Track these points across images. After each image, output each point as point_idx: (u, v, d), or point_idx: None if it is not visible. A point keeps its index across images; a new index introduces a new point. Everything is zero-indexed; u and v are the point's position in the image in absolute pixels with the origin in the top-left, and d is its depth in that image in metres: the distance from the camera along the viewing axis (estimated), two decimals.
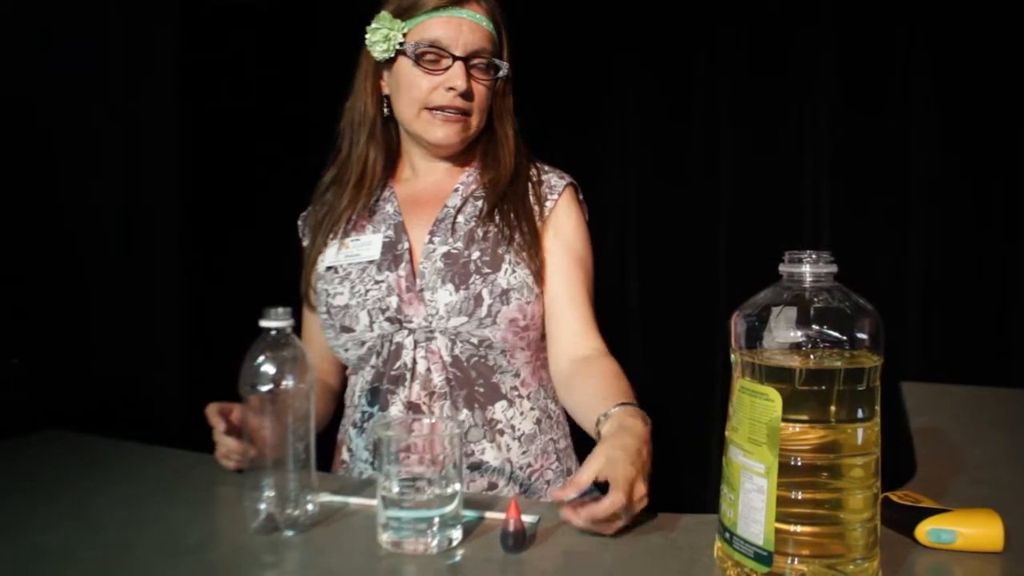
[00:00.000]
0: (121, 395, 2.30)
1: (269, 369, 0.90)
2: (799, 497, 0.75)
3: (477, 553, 0.88)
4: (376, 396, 1.26)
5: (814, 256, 0.79)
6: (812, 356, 0.77)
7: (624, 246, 2.83)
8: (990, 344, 2.47)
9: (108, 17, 2.46)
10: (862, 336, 0.77)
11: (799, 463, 0.75)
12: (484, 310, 1.22)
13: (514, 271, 1.25)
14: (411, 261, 1.26)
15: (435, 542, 0.87)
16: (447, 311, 1.22)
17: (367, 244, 1.29)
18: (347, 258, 1.29)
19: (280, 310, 0.91)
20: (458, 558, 0.87)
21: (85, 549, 0.89)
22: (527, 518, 0.93)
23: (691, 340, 2.69)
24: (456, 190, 1.32)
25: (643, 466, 0.95)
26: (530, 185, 1.32)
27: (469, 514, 0.95)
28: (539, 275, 1.26)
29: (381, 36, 1.25)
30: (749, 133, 2.67)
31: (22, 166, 2.19)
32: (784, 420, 0.75)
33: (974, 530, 0.89)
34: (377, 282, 1.25)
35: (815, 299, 0.79)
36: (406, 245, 1.28)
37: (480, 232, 1.27)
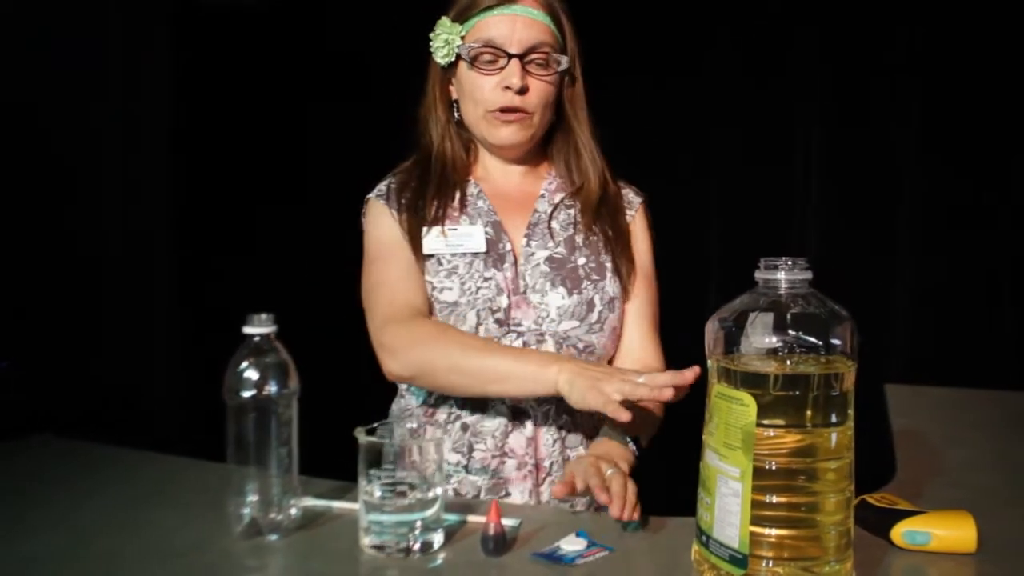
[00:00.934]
0: (114, 399, 2.31)
1: (252, 375, 0.90)
2: (773, 500, 0.77)
3: (458, 556, 0.89)
4: (472, 398, 1.23)
5: (790, 263, 0.81)
6: (788, 362, 0.78)
7: None
8: (976, 345, 2.49)
9: (108, 18, 2.46)
10: (837, 342, 0.79)
11: (773, 467, 0.77)
12: (595, 315, 1.24)
13: (615, 280, 1.27)
14: (514, 263, 1.26)
15: (417, 545, 0.88)
16: (559, 314, 1.23)
17: (468, 235, 1.26)
18: (449, 247, 1.25)
19: (263, 316, 0.92)
20: (439, 561, 0.88)
21: (74, 555, 0.90)
22: (508, 522, 0.94)
23: (681, 343, 2.70)
24: (542, 196, 1.33)
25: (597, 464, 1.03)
26: (612, 196, 1.34)
27: (451, 518, 0.96)
28: (626, 287, 1.29)
29: (442, 41, 1.26)
30: (739, 135, 2.67)
31: (16, 168, 2.19)
32: (759, 425, 0.76)
33: (948, 532, 0.90)
34: (486, 279, 1.23)
35: (791, 305, 0.80)
36: (508, 245, 1.27)
37: (580, 239, 1.28)
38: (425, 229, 1.26)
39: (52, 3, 2.29)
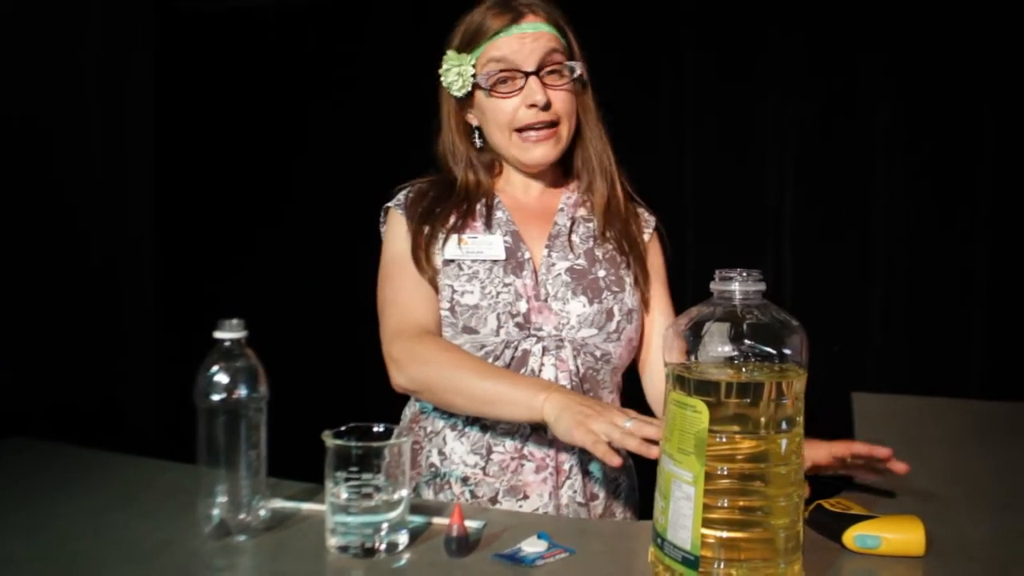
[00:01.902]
0: (87, 403, 2.31)
1: (222, 379, 0.92)
2: (725, 504, 0.79)
3: (423, 557, 0.91)
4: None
5: (744, 274, 0.84)
6: (743, 370, 0.81)
7: None
8: (947, 354, 2.52)
9: (88, 21, 2.47)
10: (789, 351, 0.82)
11: (725, 472, 0.79)
12: (613, 325, 1.27)
13: (633, 293, 1.31)
14: (534, 271, 1.28)
15: (382, 546, 0.90)
16: (579, 322, 1.25)
17: (488, 243, 1.29)
18: (469, 253, 1.28)
19: (233, 321, 0.94)
20: (403, 562, 0.90)
21: (46, 555, 0.91)
22: (472, 524, 0.96)
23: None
24: (561, 209, 1.36)
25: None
26: (628, 215, 1.37)
27: (416, 519, 0.98)
28: (645, 302, 1.33)
29: (454, 75, 1.29)
30: (714, 136, 2.69)
31: None
32: (711, 431, 0.79)
33: (898, 536, 0.93)
34: (506, 285, 1.26)
35: (746, 315, 0.83)
36: (527, 255, 1.29)
37: (599, 253, 1.32)
38: (444, 237, 1.29)
39: (33, 8, 2.29)
